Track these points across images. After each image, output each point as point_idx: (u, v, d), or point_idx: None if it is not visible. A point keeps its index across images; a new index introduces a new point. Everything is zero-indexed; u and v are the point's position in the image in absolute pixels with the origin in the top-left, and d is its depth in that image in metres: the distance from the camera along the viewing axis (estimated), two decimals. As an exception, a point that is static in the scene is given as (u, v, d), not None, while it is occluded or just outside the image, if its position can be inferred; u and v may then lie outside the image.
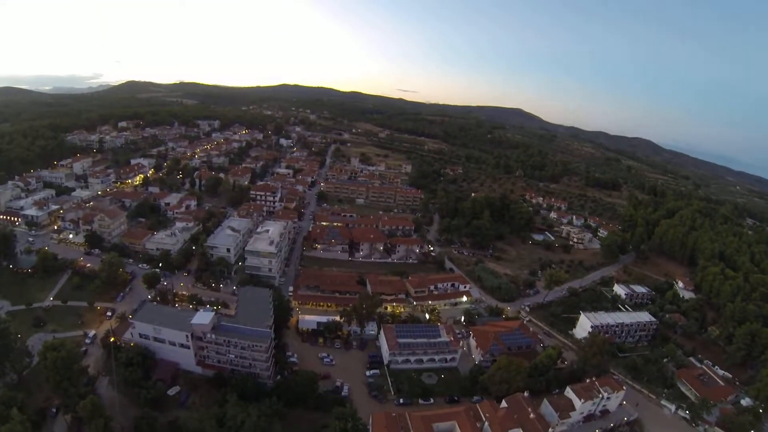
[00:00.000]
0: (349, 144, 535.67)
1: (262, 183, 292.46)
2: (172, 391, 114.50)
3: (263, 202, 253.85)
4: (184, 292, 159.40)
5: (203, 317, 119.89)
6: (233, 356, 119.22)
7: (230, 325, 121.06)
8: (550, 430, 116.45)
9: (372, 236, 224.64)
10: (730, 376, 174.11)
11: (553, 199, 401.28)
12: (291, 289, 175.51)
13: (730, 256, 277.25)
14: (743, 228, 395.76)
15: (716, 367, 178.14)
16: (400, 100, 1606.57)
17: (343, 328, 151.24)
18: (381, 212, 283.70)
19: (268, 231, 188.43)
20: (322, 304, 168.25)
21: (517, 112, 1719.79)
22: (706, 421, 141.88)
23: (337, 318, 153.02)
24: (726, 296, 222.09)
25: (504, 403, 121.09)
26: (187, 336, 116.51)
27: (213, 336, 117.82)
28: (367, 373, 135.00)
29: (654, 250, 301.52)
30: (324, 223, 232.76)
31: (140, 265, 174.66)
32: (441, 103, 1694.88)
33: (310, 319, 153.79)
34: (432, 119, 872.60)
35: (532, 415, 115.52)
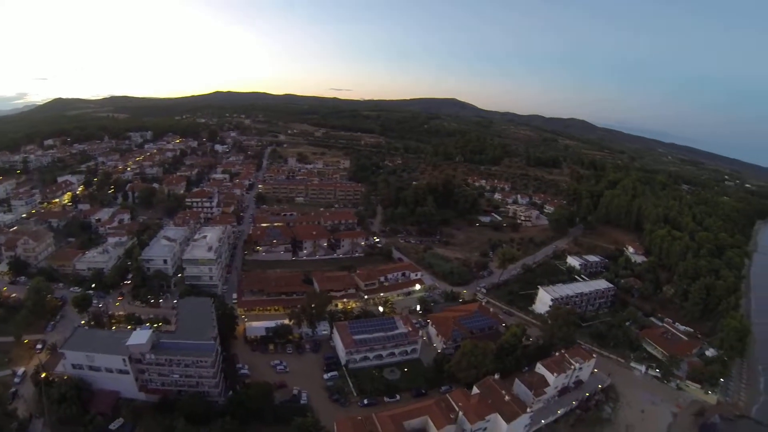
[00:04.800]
0: (285, 145, 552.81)
1: (197, 189, 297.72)
2: (114, 425, 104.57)
3: (200, 209, 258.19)
4: (121, 312, 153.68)
5: (140, 336, 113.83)
6: (178, 376, 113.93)
7: (171, 341, 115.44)
8: (528, 409, 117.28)
9: (314, 233, 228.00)
10: (692, 330, 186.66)
11: (496, 181, 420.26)
12: (235, 296, 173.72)
13: (674, 219, 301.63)
14: (681, 192, 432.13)
15: (676, 323, 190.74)
16: (335, 99, 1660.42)
17: (294, 331, 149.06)
18: (322, 209, 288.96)
19: (205, 237, 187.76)
20: (268, 308, 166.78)
21: (453, 102, 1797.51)
22: (677, 376, 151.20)
23: (286, 321, 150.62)
24: (676, 256, 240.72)
25: (475, 389, 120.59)
26: (124, 360, 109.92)
27: (153, 356, 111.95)
28: (325, 376, 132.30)
29: (601, 221, 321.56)
30: (264, 225, 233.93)
31: (71, 289, 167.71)
32: (376, 99, 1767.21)
33: (257, 326, 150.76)
34: (368, 115, 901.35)
35: (507, 398, 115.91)
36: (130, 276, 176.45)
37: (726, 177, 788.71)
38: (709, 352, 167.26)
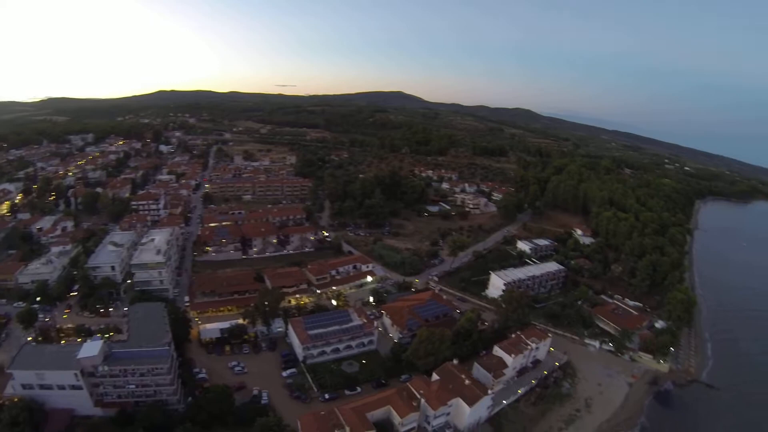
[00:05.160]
0: (231, 143, 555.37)
1: (143, 192, 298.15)
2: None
3: (146, 212, 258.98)
4: (70, 325, 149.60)
5: (91, 348, 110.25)
6: (134, 386, 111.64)
7: (124, 351, 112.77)
8: (489, 391, 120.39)
9: (263, 230, 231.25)
10: (641, 305, 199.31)
11: (443, 171, 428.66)
12: (186, 298, 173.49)
13: (619, 201, 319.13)
14: (625, 176, 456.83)
15: (626, 299, 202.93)
16: (280, 95, 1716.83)
17: (249, 331, 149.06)
18: (270, 205, 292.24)
19: (153, 240, 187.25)
20: (222, 309, 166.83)
21: (399, 95, 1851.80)
22: (630, 348, 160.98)
23: (241, 321, 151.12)
24: (622, 236, 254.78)
25: (435, 376, 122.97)
26: (75, 375, 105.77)
27: (106, 368, 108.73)
28: (284, 373, 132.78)
29: (548, 205, 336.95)
30: (213, 224, 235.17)
31: (15, 304, 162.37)
32: (321, 94, 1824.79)
33: (211, 328, 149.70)
34: (313, 110, 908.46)
35: (467, 382, 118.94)
36: (76, 286, 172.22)
37: (666, 161, 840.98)
38: (659, 324, 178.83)
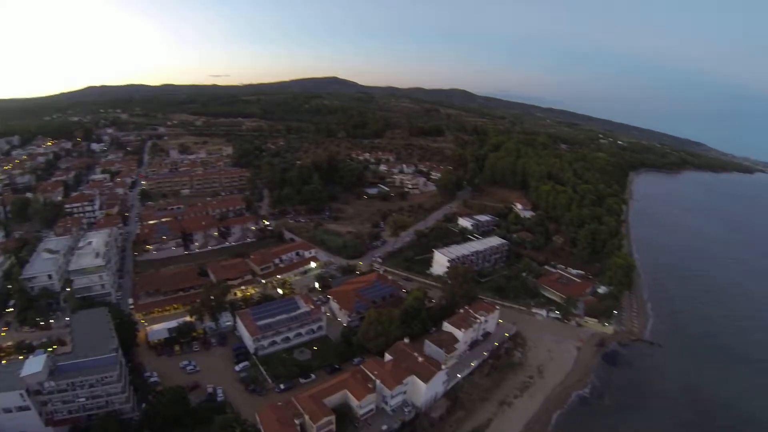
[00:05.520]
0: (166, 137, 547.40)
1: (76, 194, 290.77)
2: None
3: (82, 214, 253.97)
4: (9, 343, 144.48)
5: (34, 365, 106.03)
6: (84, 399, 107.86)
7: (70, 363, 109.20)
8: (443, 366, 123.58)
9: (204, 223, 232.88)
10: (583, 272, 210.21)
11: (380, 153, 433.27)
12: (131, 301, 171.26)
13: (556, 175, 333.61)
14: (561, 151, 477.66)
15: (569, 268, 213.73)
16: (214, 86, 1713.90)
17: (197, 327, 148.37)
18: (209, 198, 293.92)
19: (91, 244, 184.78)
20: (168, 308, 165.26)
21: (334, 80, 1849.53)
22: (576, 314, 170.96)
23: (188, 318, 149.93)
24: (561, 208, 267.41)
25: (388, 356, 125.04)
26: (21, 395, 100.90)
27: (53, 383, 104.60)
28: (237, 368, 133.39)
29: (488, 182, 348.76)
30: (152, 222, 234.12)
31: None
32: (255, 83, 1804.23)
33: (159, 329, 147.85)
34: (248, 99, 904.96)
35: (420, 359, 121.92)
36: (12, 301, 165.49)
37: (600, 135, 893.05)
38: (601, 290, 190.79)
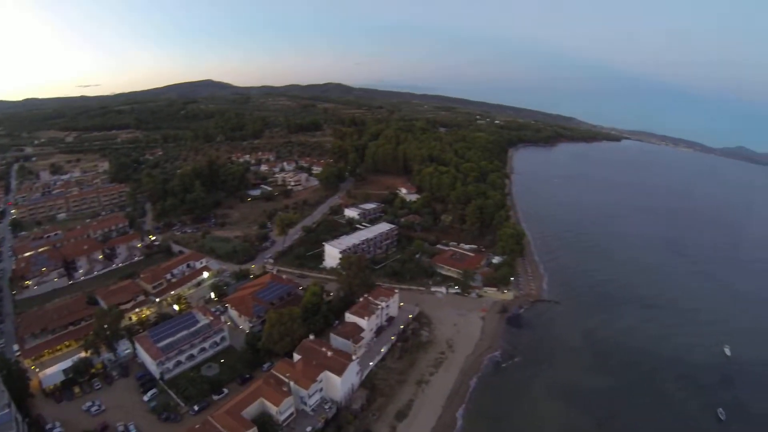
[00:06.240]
0: (34, 158, 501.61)
1: None
2: None
3: None
4: None
5: None
6: None
7: None
8: (353, 357, 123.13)
9: (86, 247, 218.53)
10: (476, 246, 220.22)
11: (260, 153, 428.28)
12: (16, 347, 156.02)
13: (438, 156, 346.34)
14: (440, 134, 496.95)
15: (461, 244, 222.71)
16: (83, 97, 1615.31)
17: (95, 362, 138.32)
18: (88, 220, 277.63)
19: None
20: (59, 346, 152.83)
21: (209, 83, 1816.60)
22: (474, 287, 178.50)
23: (83, 353, 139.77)
24: (446, 187, 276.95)
25: (297, 356, 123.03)
26: None
27: None
28: (145, 398, 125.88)
29: (370, 171, 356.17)
30: (27, 254, 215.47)
31: None
32: (128, 91, 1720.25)
33: (53, 372, 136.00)
34: (121, 110, 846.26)
35: (329, 353, 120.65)
36: None
37: (478, 117, 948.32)
38: (496, 260, 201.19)
